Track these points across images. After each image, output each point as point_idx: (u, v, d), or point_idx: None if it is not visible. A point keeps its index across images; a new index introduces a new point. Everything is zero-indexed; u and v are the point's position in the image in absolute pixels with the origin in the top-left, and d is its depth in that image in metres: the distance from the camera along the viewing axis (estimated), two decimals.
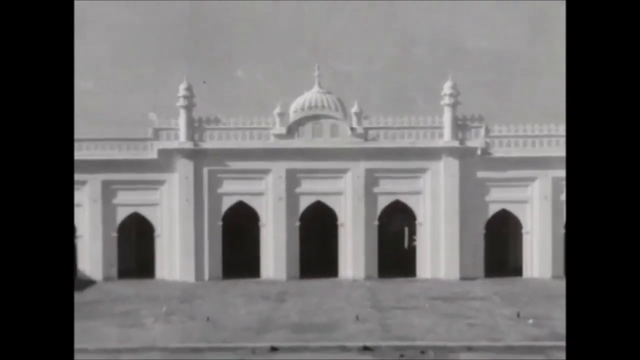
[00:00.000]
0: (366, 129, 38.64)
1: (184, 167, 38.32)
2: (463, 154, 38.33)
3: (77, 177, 38.08)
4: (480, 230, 38.46)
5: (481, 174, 38.40)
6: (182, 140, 38.49)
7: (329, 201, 38.70)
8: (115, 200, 38.86)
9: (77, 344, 21.02)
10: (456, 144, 38.33)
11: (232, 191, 38.59)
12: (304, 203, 38.59)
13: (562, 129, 38.67)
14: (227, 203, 38.63)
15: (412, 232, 40.34)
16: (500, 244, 39.95)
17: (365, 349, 20.22)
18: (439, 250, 38.24)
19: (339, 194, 38.62)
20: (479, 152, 38.31)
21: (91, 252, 38.62)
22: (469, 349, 20.23)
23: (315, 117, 38.85)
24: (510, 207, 38.82)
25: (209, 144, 38.53)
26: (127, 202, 38.88)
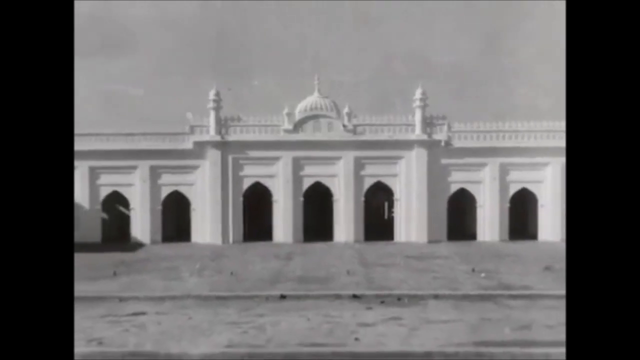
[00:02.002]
0: (355, 126, 38.47)
1: (213, 156, 38.19)
2: (430, 145, 38.18)
3: (130, 162, 38.42)
4: (444, 204, 38.38)
5: (444, 161, 38.29)
6: (212, 134, 38.32)
7: (326, 182, 38.58)
8: (160, 181, 38.77)
9: (130, 293, 20.97)
10: (425, 137, 38.17)
11: (251, 174, 38.47)
12: (307, 183, 38.47)
13: (507, 125, 38.56)
14: (246, 183, 38.51)
15: (391, 206, 40.23)
16: (459, 215, 39.88)
17: (354, 296, 20.11)
18: (411, 220, 38.19)
19: (333, 176, 38.49)
20: (442, 143, 38.20)
21: (141, 222, 38.56)
22: (435, 296, 20.12)
23: (315, 116, 38.70)
24: (467, 186, 38.74)
25: (232, 137, 38.36)
26: (169, 183, 38.80)
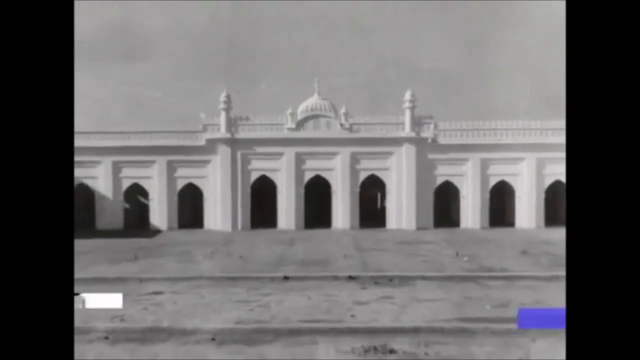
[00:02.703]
0: (351, 124, 38.37)
1: (224, 151, 38.08)
2: (418, 142, 38.08)
3: (149, 157, 38.34)
4: (431, 195, 38.29)
5: (431, 156, 38.20)
6: (222, 132, 38.19)
7: (325, 175, 38.48)
8: (176, 174, 38.68)
9: (149, 274, 20.91)
10: (414, 135, 38.07)
11: (258, 168, 38.39)
12: (308, 176, 38.39)
13: (487, 124, 38.46)
14: (254, 176, 38.42)
15: (383, 196, 40.21)
16: (444, 205, 39.82)
17: (350, 278, 20.10)
18: (401, 209, 38.11)
19: (332, 169, 38.41)
20: (429, 140, 38.10)
21: (159, 211, 38.49)
22: (423, 278, 20.11)
23: (315, 116, 38.60)
24: (451, 179, 38.63)
25: (241, 135, 38.25)
26: (184, 175, 38.70)
